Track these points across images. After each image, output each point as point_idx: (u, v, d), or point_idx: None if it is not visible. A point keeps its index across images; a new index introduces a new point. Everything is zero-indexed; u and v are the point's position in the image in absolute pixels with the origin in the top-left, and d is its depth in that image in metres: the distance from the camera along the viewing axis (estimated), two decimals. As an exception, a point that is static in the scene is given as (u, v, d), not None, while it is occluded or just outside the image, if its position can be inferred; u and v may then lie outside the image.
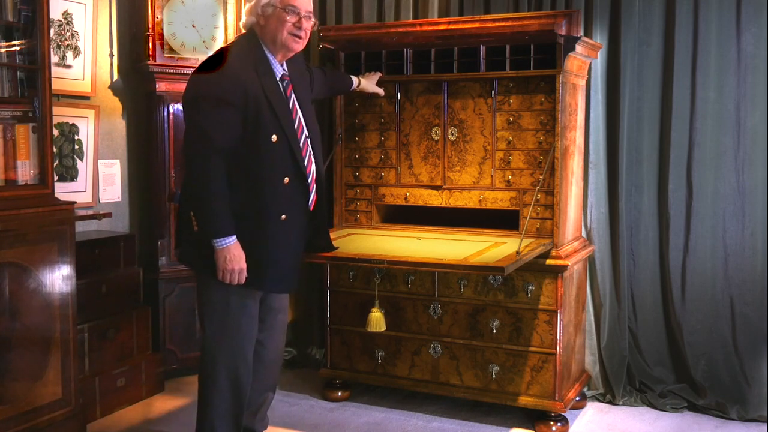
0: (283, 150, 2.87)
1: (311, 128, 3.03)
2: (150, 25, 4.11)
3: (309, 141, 2.99)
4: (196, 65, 4.16)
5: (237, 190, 2.82)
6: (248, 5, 2.96)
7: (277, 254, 2.91)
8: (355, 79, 3.76)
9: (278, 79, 2.94)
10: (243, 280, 2.85)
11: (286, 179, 2.89)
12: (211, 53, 4.24)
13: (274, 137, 2.84)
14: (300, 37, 2.93)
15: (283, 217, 2.89)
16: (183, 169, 2.94)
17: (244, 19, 2.99)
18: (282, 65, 2.98)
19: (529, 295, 3.56)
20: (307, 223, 3.05)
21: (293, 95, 2.98)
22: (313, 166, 3.01)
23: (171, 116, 4.20)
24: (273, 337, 3.22)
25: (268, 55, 2.93)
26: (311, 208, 3.05)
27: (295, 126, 2.94)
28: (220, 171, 2.77)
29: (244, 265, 2.83)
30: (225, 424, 2.98)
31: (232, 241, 2.81)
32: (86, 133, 4.11)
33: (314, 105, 3.45)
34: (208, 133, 2.76)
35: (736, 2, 3.75)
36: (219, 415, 2.97)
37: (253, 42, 2.93)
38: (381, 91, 3.85)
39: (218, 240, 2.79)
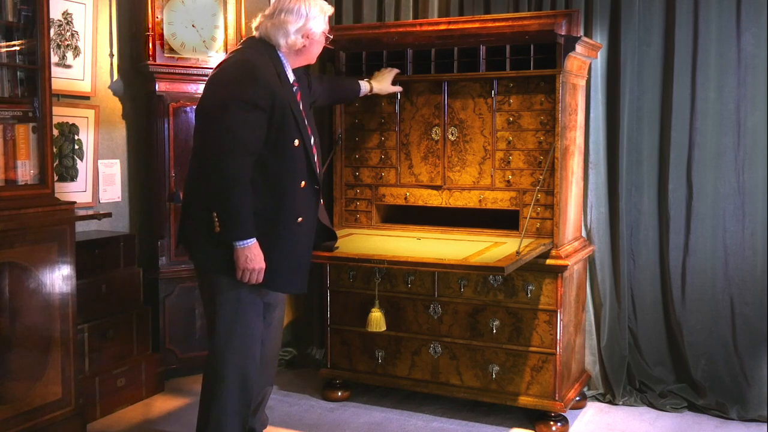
0: (301, 154, 2.94)
1: (315, 132, 3.10)
2: (150, 25, 4.11)
3: (315, 145, 3.06)
4: (197, 65, 4.24)
5: (258, 192, 2.86)
6: (284, 22, 2.92)
7: (292, 255, 2.96)
8: (364, 84, 3.71)
9: (291, 84, 2.99)
10: (261, 279, 2.89)
11: (303, 183, 2.96)
12: (212, 54, 4.29)
13: (296, 142, 2.91)
14: None
15: (300, 219, 2.95)
16: (201, 169, 2.89)
17: (269, 31, 2.95)
18: (293, 72, 3.04)
19: (529, 295, 3.56)
20: (315, 225, 3.11)
21: (301, 101, 3.03)
22: (319, 169, 3.07)
23: (171, 116, 4.19)
24: (271, 333, 3.24)
25: (284, 61, 2.98)
26: None
27: (307, 130, 3.01)
28: (248, 173, 2.81)
29: (263, 265, 2.87)
30: (231, 422, 2.99)
31: (253, 241, 2.84)
32: (86, 133, 4.11)
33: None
34: (239, 136, 2.78)
35: (736, 2, 3.76)
36: (226, 414, 2.97)
37: (269, 48, 2.96)
38: (398, 89, 3.79)
39: (240, 241, 2.82)
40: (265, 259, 2.89)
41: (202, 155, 2.86)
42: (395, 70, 3.78)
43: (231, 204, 2.79)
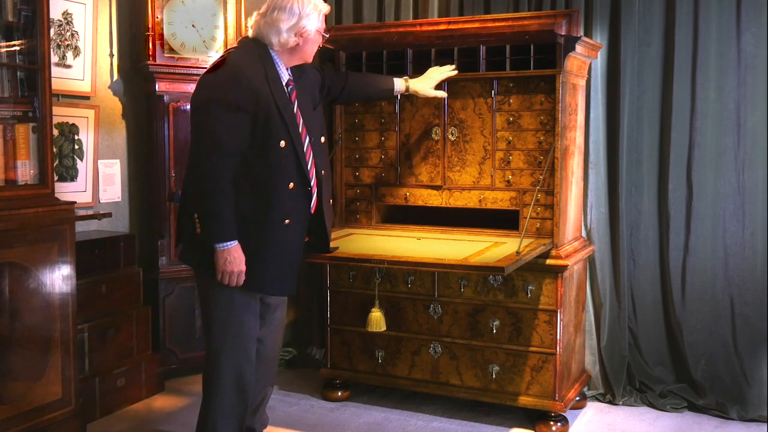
0: (289, 155, 2.90)
1: (314, 133, 3.04)
2: (150, 25, 4.11)
3: (311, 146, 3.01)
4: (197, 65, 4.24)
5: (243, 193, 2.84)
6: (277, 20, 2.89)
7: (279, 257, 2.93)
8: (399, 82, 3.50)
9: (284, 84, 2.96)
10: (242, 282, 2.87)
11: (291, 184, 2.92)
12: (212, 54, 4.29)
13: (282, 143, 2.87)
14: None
15: (287, 221, 2.92)
16: (188, 170, 2.91)
17: (261, 30, 2.93)
18: (288, 70, 3.00)
19: (529, 295, 3.56)
20: (307, 227, 3.07)
21: (296, 100, 2.99)
22: (314, 171, 3.02)
23: (171, 116, 4.20)
24: (272, 334, 3.24)
25: (277, 60, 2.95)
26: (312, 212, 3.07)
27: (299, 131, 2.96)
28: (228, 175, 2.79)
29: (243, 268, 2.85)
30: (227, 423, 2.99)
31: (233, 243, 2.82)
32: (86, 133, 4.11)
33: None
34: (219, 137, 2.77)
35: (736, 2, 3.76)
36: (222, 415, 2.97)
37: (261, 47, 2.94)
38: (441, 94, 3.59)
39: (220, 243, 2.81)
40: (252, 261, 2.86)
41: (188, 156, 2.88)
42: (449, 72, 3.57)
43: (210, 205, 2.78)
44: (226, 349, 2.96)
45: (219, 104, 2.77)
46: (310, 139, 3.00)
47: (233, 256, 2.82)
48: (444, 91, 3.66)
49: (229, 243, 2.81)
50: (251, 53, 2.91)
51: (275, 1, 2.92)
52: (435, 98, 3.66)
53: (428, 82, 3.55)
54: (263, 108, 2.82)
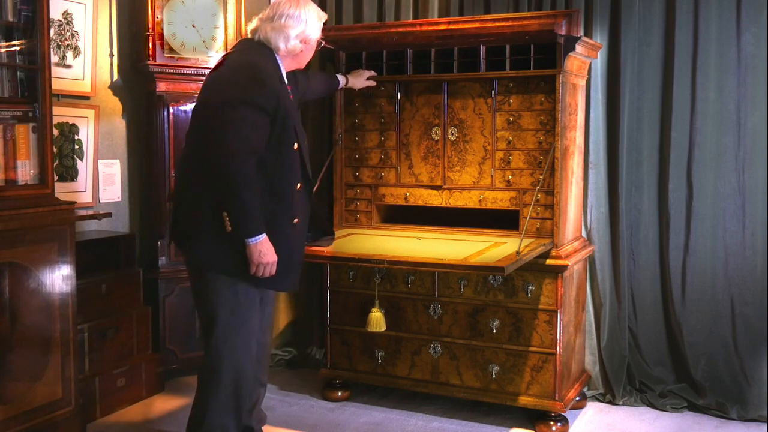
0: (298, 157, 3.00)
1: (304, 135, 3.13)
2: (150, 25, 4.11)
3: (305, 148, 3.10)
4: (197, 65, 4.24)
5: (258, 193, 2.89)
6: (285, 26, 2.97)
7: (287, 255, 2.99)
8: (341, 78, 3.82)
9: (286, 87, 3.02)
10: (274, 272, 2.92)
11: (299, 185, 3.00)
12: (212, 54, 4.29)
13: (295, 145, 2.96)
14: None
15: (296, 220, 3.00)
16: (204, 170, 2.88)
17: (268, 35, 2.98)
18: (285, 75, 3.07)
19: (529, 295, 3.56)
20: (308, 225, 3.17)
21: (292, 103, 3.06)
22: (310, 172, 3.11)
23: (171, 116, 4.19)
24: (264, 333, 3.27)
25: (281, 65, 3.03)
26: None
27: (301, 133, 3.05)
28: (253, 172, 2.84)
29: (275, 258, 2.91)
30: (228, 419, 3.01)
31: (264, 236, 2.88)
32: (86, 133, 4.11)
33: (311, 106, 3.57)
34: (246, 136, 2.81)
35: (736, 2, 3.76)
36: (222, 411, 2.99)
37: (268, 51, 3.00)
38: (372, 83, 3.89)
39: (252, 237, 2.85)
40: None
41: (207, 155, 2.85)
42: (372, 72, 3.87)
43: (242, 202, 2.82)
44: (229, 346, 2.98)
45: (245, 103, 2.81)
46: (304, 141, 3.08)
47: (266, 248, 2.88)
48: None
49: (260, 236, 2.86)
50: (264, 56, 2.96)
51: (281, 8, 2.99)
52: (368, 86, 3.89)
53: (359, 77, 3.86)
54: (282, 111, 2.89)
